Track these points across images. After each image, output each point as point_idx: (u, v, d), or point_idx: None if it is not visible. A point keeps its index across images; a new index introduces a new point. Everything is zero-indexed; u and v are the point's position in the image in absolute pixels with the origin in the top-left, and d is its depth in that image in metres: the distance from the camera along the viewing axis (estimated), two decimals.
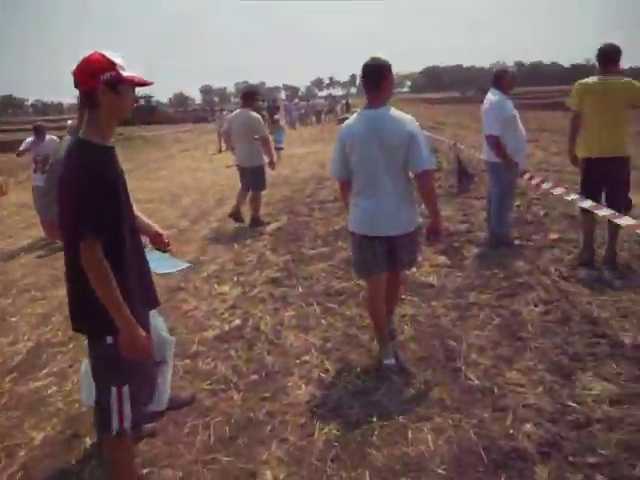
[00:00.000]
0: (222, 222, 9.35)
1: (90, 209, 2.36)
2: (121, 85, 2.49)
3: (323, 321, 5.03)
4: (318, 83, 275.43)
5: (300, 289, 5.85)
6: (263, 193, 9.28)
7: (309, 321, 5.05)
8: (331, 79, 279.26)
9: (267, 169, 9.13)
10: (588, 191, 5.67)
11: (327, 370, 4.17)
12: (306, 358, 4.38)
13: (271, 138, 18.27)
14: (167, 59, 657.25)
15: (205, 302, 5.74)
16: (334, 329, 4.85)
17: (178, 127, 43.96)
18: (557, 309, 4.82)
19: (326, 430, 3.44)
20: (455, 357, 4.18)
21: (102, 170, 2.42)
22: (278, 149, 18.25)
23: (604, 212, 5.08)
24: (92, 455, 3.40)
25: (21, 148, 9.78)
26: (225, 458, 3.28)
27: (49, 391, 4.23)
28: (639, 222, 4.89)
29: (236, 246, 7.76)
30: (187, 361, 4.52)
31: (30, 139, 9.61)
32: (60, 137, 7.13)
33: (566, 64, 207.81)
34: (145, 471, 3.21)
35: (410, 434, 3.33)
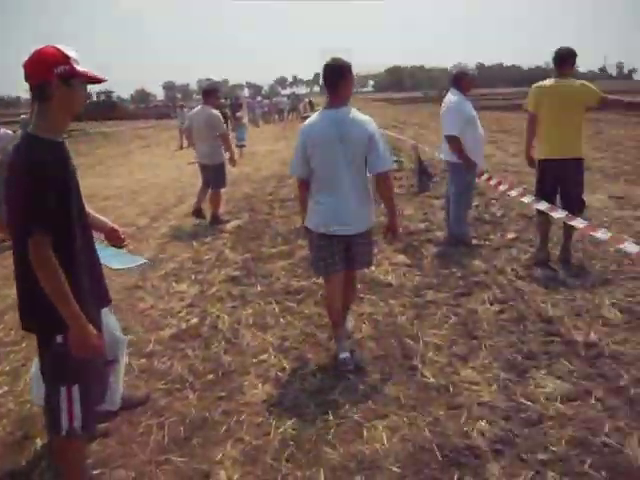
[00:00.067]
0: (182, 220, 9.26)
1: (38, 205, 2.30)
2: (74, 79, 2.44)
3: (281, 320, 5.01)
4: (281, 81, 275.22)
5: (259, 287, 5.82)
6: (224, 191, 9.22)
7: (267, 320, 5.03)
8: (295, 77, 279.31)
9: (228, 167, 9.08)
10: (544, 192, 5.77)
11: (284, 369, 4.16)
12: (263, 357, 4.36)
13: (233, 135, 18.43)
14: (130, 55, 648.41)
15: (162, 301, 5.67)
16: (292, 328, 4.83)
17: (139, 123, 43.43)
18: (512, 308, 4.89)
19: (282, 429, 3.42)
20: (412, 355, 4.20)
21: (51, 166, 2.36)
22: (240, 147, 18.20)
23: (558, 214, 5.16)
24: (43, 456, 3.31)
25: None
26: (179, 458, 3.24)
27: (0, 391, 4.13)
28: (592, 224, 4.99)
29: (195, 244, 7.69)
30: (143, 360, 4.45)
31: None
32: (14, 131, 6.98)
33: (526, 67, 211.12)
34: (97, 472, 3.14)
35: (365, 432, 3.34)
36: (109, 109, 53.10)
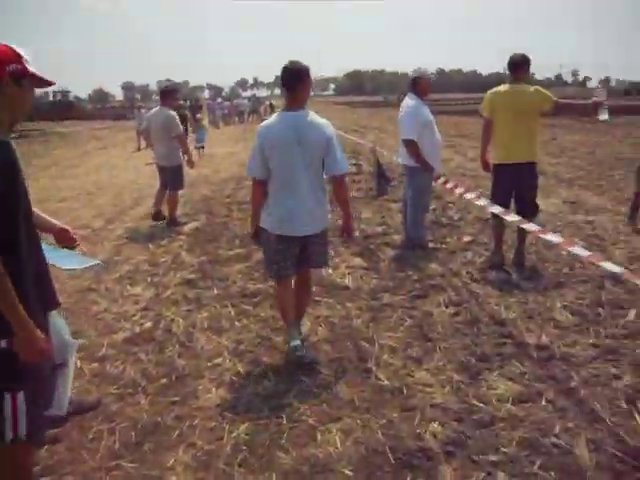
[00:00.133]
0: (138, 222, 9.13)
1: None
2: (25, 79, 2.39)
3: (237, 323, 4.97)
4: (242, 83, 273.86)
5: (215, 290, 5.77)
6: (182, 193, 9.14)
7: (222, 323, 4.98)
8: (255, 80, 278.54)
9: (186, 168, 8.99)
10: (498, 196, 5.84)
11: (239, 372, 4.12)
12: (218, 361, 4.32)
13: (193, 137, 18.28)
14: (88, 55, 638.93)
15: (116, 304, 5.57)
16: (248, 331, 4.80)
17: (97, 124, 42.80)
18: (467, 310, 4.94)
19: (235, 434, 3.39)
20: (367, 358, 4.21)
21: None
22: (199, 148, 18.07)
23: (512, 218, 5.24)
24: None
25: None
26: (130, 464, 3.19)
27: None
28: (544, 228, 5.07)
29: (151, 246, 7.59)
30: (95, 364, 4.37)
31: None
32: None
33: (485, 72, 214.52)
34: (44, 479, 3.08)
35: (319, 436, 3.33)
36: (66, 109, 52.23)
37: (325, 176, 4.11)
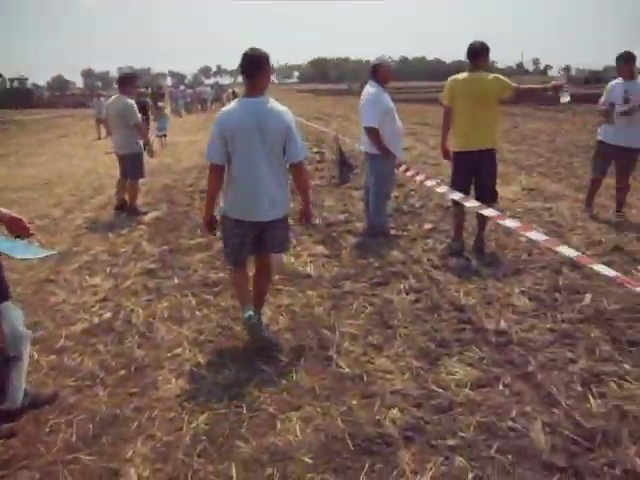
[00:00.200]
0: (98, 211, 8.98)
1: None
2: None
3: (197, 313, 4.93)
4: (205, 71, 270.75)
5: (176, 280, 5.72)
6: (142, 181, 9.02)
7: (183, 313, 4.94)
8: (219, 67, 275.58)
9: (147, 157, 8.86)
10: (459, 183, 5.89)
11: (199, 363, 4.09)
12: (178, 351, 4.28)
13: (155, 126, 18.03)
14: (48, 40, 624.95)
15: (75, 295, 5.48)
16: (208, 321, 4.77)
17: (56, 112, 41.93)
18: (427, 297, 4.99)
19: (194, 424, 3.37)
20: (328, 346, 4.22)
21: None
22: (161, 137, 17.84)
23: (471, 204, 5.29)
24: None
25: None
26: (87, 457, 3.14)
27: None
28: (503, 213, 5.13)
29: (111, 236, 7.48)
30: (52, 356, 4.30)
31: None
32: None
33: (448, 60, 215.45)
34: None
35: (279, 424, 3.33)
36: (24, 96, 51.10)
37: (286, 163, 4.12)
